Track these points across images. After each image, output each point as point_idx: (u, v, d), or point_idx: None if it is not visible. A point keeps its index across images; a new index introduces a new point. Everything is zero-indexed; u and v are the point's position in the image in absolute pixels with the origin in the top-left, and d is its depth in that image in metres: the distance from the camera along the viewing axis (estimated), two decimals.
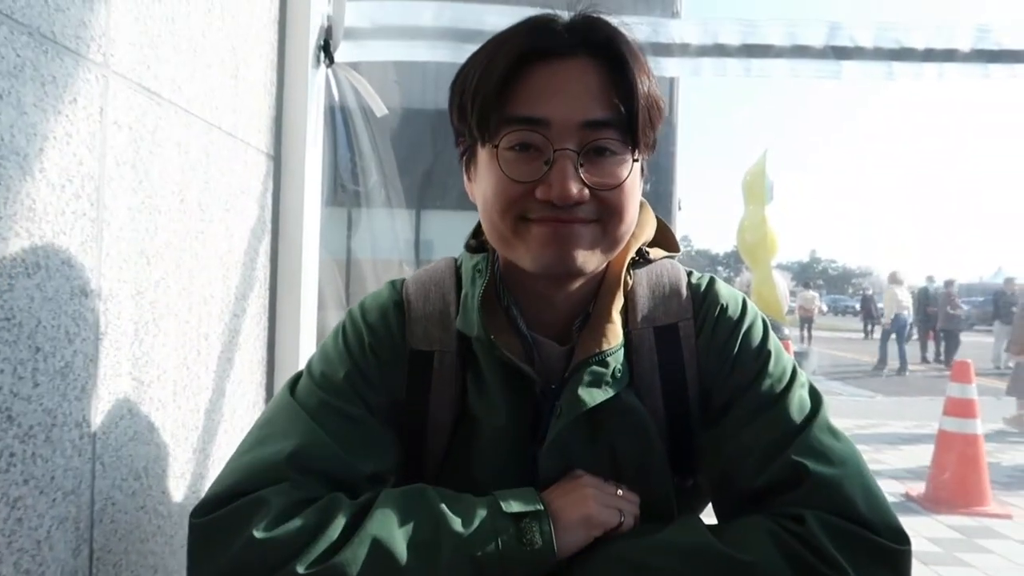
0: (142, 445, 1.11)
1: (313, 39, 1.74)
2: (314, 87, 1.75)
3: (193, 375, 1.27)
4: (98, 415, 0.99)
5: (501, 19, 1.79)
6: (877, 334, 13.62)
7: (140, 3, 1.06)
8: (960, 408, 4.96)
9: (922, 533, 4.43)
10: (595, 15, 0.88)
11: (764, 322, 1.01)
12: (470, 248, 1.02)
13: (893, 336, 13.20)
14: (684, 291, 1.00)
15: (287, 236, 1.70)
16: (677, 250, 1.05)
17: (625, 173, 0.85)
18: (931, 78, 1.86)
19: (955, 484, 4.88)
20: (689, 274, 1.03)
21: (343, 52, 1.81)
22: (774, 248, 12.00)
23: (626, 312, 0.96)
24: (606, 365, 0.91)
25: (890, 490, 5.36)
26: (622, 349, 0.93)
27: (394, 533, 0.79)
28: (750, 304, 1.02)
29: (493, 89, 0.83)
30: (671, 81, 13.16)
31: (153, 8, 1.10)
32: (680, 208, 14.08)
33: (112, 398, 1.02)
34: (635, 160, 0.87)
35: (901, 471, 5.98)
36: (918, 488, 5.22)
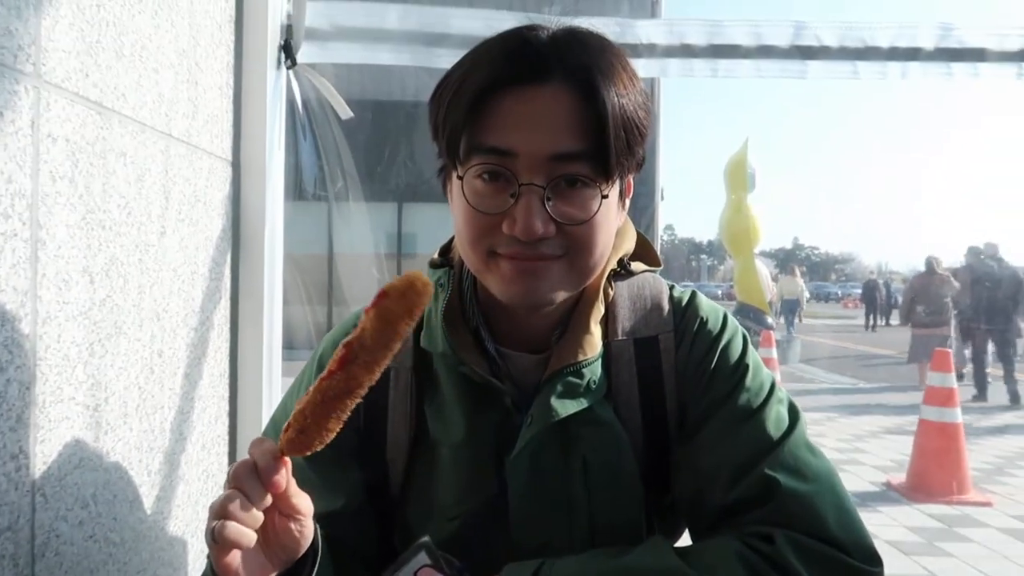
0: (89, 472, 1.06)
1: (273, 39, 1.68)
2: (275, 89, 1.70)
3: (146, 395, 1.22)
4: (37, 444, 0.94)
5: (467, 22, 1.75)
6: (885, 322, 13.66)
7: (76, 9, 1.01)
8: (940, 397, 4.99)
9: (903, 523, 4.46)
10: (574, 27, 0.86)
11: (744, 337, 1.00)
12: (433, 265, 1.01)
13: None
14: (665, 304, 0.98)
15: (249, 244, 1.65)
16: (658, 264, 1.04)
17: (595, 206, 0.83)
18: (895, 77, 1.88)
19: (936, 473, 4.92)
20: (671, 288, 1.02)
21: (304, 54, 1.75)
22: (756, 236, 12.06)
23: (606, 324, 0.95)
24: (581, 376, 0.90)
25: (871, 479, 5.40)
26: (599, 360, 0.92)
27: None
28: (730, 319, 1.00)
29: (462, 114, 0.82)
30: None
31: (91, 14, 1.04)
32: (663, 198, 14.10)
33: (53, 426, 0.97)
34: (604, 196, 0.84)
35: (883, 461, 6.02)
36: (899, 477, 5.26)
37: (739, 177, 11.80)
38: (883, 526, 4.36)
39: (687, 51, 1.81)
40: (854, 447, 6.65)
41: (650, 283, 1.00)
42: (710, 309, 0.99)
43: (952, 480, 4.82)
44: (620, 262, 0.99)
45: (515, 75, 0.81)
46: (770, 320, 11.07)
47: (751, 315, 11.41)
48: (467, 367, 0.91)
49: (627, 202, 0.95)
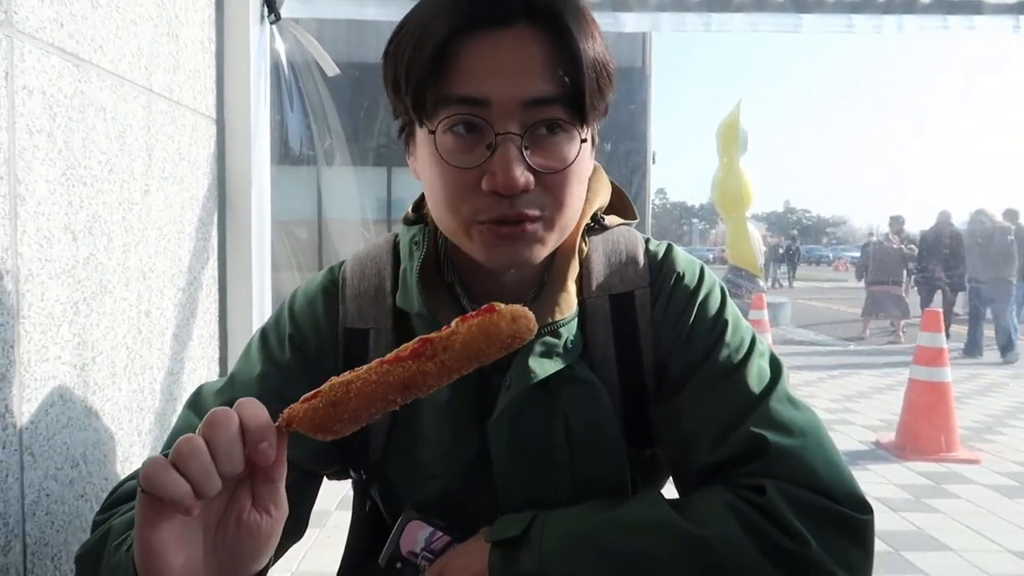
0: (78, 431, 1.05)
1: None
2: (258, 44, 1.66)
3: (135, 354, 1.21)
4: (24, 403, 0.93)
5: None
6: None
7: None
8: (930, 357, 5.02)
9: (892, 480, 4.51)
10: None
11: (722, 290, 0.97)
12: (407, 221, 0.97)
13: None
14: (641, 258, 0.95)
15: (235, 203, 1.62)
16: (635, 217, 1.01)
17: (573, 152, 0.80)
18: (891, 30, 1.86)
19: (924, 431, 4.96)
20: (647, 241, 0.98)
21: (288, 8, 1.71)
22: (748, 199, 12.01)
23: (581, 280, 0.92)
24: (558, 336, 0.87)
25: (861, 438, 5.45)
26: (575, 319, 0.90)
27: None
28: (708, 272, 0.97)
29: (426, 65, 0.76)
30: (643, 33, 13.01)
31: None
32: (655, 161, 14.00)
33: (39, 385, 0.96)
34: (583, 140, 0.81)
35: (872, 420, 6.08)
36: (888, 436, 5.31)
37: (731, 139, 11.71)
38: (873, 484, 4.41)
39: (679, 5, 1.77)
40: (844, 407, 6.72)
41: (625, 237, 0.97)
42: (687, 263, 0.96)
43: (940, 437, 4.87)
44: (594, 216, 0.96)
45: (479, 19, 0.77)
46: (762, 283, 11.09)
47: (743, 277, 11.41)
48: (439, 325, 0.88)
49: (607, 146, 0.93)
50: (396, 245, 0.97)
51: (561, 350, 0.87)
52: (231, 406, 0.62)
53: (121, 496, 0.85)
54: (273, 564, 0.72)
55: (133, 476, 0.85)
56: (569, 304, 0.89)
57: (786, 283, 25.98)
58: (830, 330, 12.86)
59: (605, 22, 1.83)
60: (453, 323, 0.64)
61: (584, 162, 0.84)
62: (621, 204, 1.00)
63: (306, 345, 0.91)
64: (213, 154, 1.54)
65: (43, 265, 0.97)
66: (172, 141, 1.34)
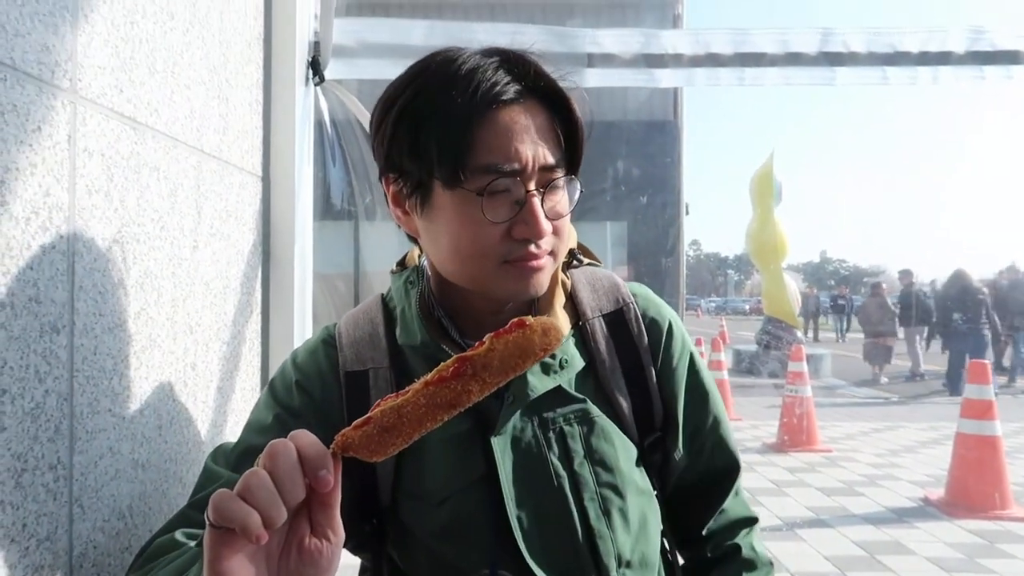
0: (125, 483, 1.07)
1: (301, 57, 1.70)
2: (303, 105, 1.72)
3: (180, 407, 1.23)
4: (75, 455, 0.95)
5: (492, 36, 1.76)
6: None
7: (110, 26, 1.03)
8: (978, 410, 4.88)
9: (943, 539, 4.35)
10: (506, 48, 0.96)
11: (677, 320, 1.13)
12: (395, 272, 1.09)
13: None
14: (619, 283, 1.11)
15: (279, 258, 1.66)
16: (599, 262, 1.16)
17: (568, 202, 0.96)
18: (926, 81, 1.86)
19: (975, 487, 4.80)
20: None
21: (332, 70, 1.77)
22: (784, 249, 11.96)
23: (573, 307, 1.06)
24: (554, 356, 0.99)
25: (908, 495, 5.29)
26: (571, 340, 1.02)
27: None
28: (665, 305, 1.13)
29: (462, 135, 0.88)
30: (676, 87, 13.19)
31: (125, 30, 1.06)
32: (688, 212, 14.02)
33: (90, 437, 0.98)
34: (581, 191, 0.97)
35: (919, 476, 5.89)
36: (937, 492, 5.14)
37: (765, 190, 11.72)
38: (922, 542, 4.26)
39: (713, 60, 1.80)
40: (890, 462, 6.53)
41: (600, 270, 1.13)
42: (657, 300, 1.13)
43: (994, 493, 4.70)
44: (571, 254, 1.10)
45: (501, 96, 0.89)
46: (799, 334, 10.94)
47: (781, 328, 11.26)
48: (446, 353, 0.95)
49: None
50: (382, 300, 1.09)
51: (558, 368, 0.99)
52: (249, 455, 0.66)
53: (154, 552, 0.89)
54: None
55: (162, 532, 0.91)
56: (562, 325, 1.01)
57: (831, 334, 24.88)
58: (871, 382, 12.57)
59: (640, 78, 1.87)
60: (486, 340, 0.70)
61: None
62: (584, 252, 1.15)
63: (312, 390, 1.00)
64: (259, 211, 1.58)
65: (97, 320, 1.00)
66: (220, 199, 1.38)
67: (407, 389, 0.69)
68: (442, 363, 0.70)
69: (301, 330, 1.68)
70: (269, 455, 0.64)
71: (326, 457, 0.66)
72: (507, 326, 0.70)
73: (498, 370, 0.69)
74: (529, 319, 0.70)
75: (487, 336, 0.70)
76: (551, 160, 0.92)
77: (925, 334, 13.31)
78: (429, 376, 0.69)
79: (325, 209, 2.48)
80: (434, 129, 0.89)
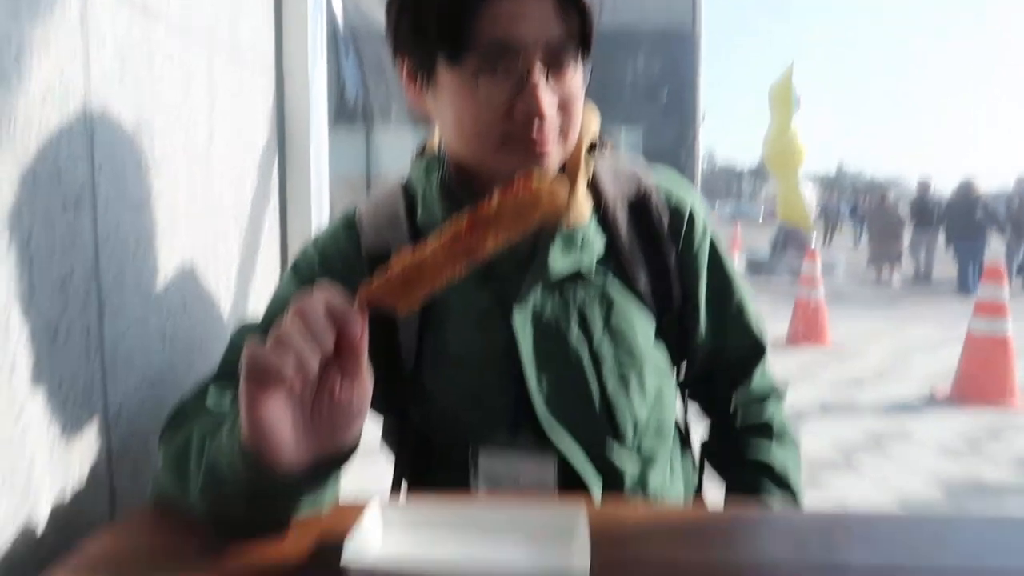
0: (155, 354, 1.14)
1: None
2: (316, 3, 1.72)
3: (204, 287, 1.30)
4: (105, 326, 1.01)
5: None
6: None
7: None
8: (990, 309, 4.93)
9: (947, 428, 4.53)
10: None
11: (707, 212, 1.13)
12: (415, 159, 1.11)
13: None
14: (645, 171, 1.10)
15: (295, 157, 1.70)
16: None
17: (580, 81, 0.94)
18: None
19: (982, 383, 4.91)
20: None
21: None
22: (801, 157, 11.75)
23: (596, 193, 1.05)
24: (574, 235, 1.00)
25: (916, 390, 5.44)
26: (593, 222, 1.02)
27: None
28: (699, 198, 1.12)
29: (461, 11, 0.87)
30: None
31: None
32: (704, 119, 13.80)
33: (116, 310, 1.04)
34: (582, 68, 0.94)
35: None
36: (944, 387, 5.25)
37: (784, 99, 11.49)
38: (927, 431, 4.42)
39: None
40: (899, 360, 6.64)
41: (624, 158, 1.12)
42: (688, 187, 1.12)
43: (997, 390, 4.81)
44: (592, 144, 1.08)
45: None
46: (813, 240, 10.92)
47: (795, 235, 11.18)
48: None
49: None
50: (402, 186, 1.09)
51: (579, 245, 1.00)
52: (272, 323, 0.71)
53: (185, 414, 0.95)
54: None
55: (192, 398, 0.97)
56: (583, 206, 1.02)
57: (849, 242, 24.73)
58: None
59: None
60: (496, 195, 0.72)
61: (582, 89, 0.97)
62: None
63: (335, 269, 1.03)
64: (272, 106, 1.61)
65: (118, 199, 1.04)
66: (235, 95, 1.41)
67: (423, 244, 0.72)
68: (455, 220, 0.72)
69: (318, 218, 1.73)
70: (298, 309, 0.68)
71: (351, 309, 0.69)
72: (512, 184, 0.72)
73: (508, 224, 0.71)
74: (535, 175, 0.72)
75: (495, 191, 0.72)
76: (559, 34, 0.89)
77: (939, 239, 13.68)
78: (444, 232, 0.72)
79: (339, 110, 2.49)
80: (437, 6, 0.88)
